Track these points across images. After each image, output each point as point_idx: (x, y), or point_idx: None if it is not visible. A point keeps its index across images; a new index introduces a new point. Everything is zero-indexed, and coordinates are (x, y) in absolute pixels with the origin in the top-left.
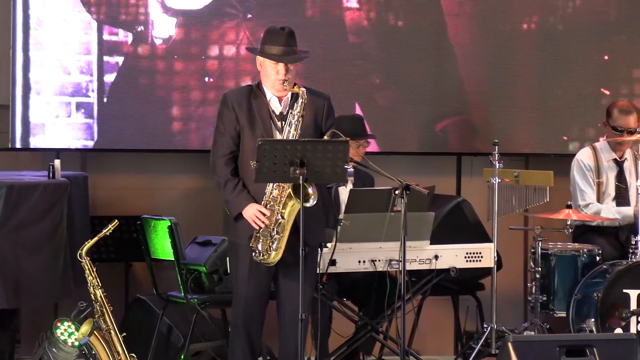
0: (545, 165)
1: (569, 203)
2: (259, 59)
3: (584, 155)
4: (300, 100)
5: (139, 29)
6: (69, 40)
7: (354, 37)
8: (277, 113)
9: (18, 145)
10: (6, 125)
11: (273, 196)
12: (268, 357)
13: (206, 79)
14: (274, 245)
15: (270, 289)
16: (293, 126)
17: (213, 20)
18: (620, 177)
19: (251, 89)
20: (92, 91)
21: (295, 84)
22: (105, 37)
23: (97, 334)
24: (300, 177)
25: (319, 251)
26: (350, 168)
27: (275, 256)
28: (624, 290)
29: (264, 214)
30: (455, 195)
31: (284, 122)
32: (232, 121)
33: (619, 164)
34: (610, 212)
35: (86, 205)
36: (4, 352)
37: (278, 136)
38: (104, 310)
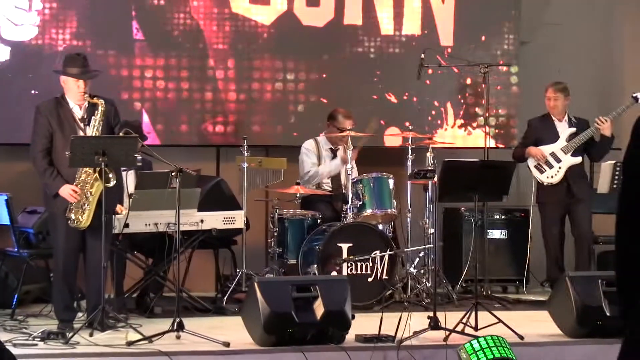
0: (280, 154)
1: (297, 181)
2: (63, 77)
3: (308, 145)
4: (100, 109)
5: None
6: None
7: (140, 60)
8: (79, 117)
9: None
10: None
11: (82, 179)
12: (80, 294)
13: (33, 91)
14: (84, 215)
15: (80, 246)
16: (96, 127)
17: (37, 48)
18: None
19: (58, 100)
20: None
21: (94, 95)
22: None
23: None
24: (102, 163)
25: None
26: (139, 156)
27: (85, 222)
28: (338, 244)
29: (76, 192)
30: (215, 175)
31: (85, 124)
32: (45, 125)
33: (334, 152)
34: (325, 168)
35: None
36: None
37: (81, 134)
38: None
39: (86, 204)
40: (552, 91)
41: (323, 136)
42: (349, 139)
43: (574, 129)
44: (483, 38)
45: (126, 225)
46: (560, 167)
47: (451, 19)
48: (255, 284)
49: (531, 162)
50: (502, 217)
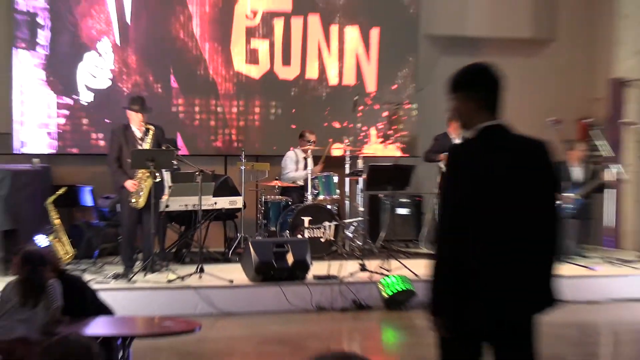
0: (265, 160)
1: (276, 177)
2: (128, 111)
3: (291, 154)
4: (151, 132)
5: (74, 97)
6: (48, 99)
7: (175, 100)
8: (138, 137)
9: (15, 151)
10: (9, 142)
11: (139, 177)
12: (138, 250)
13: (106, 120)
14: (141, 199)
15: (138, 219)
16: (149, 144)
17: (110, 92)
18: (306, 167)
19: (125, 126)
20: (54, 125)
21: (148, 123)
22: (59, 100)
23: (55, 240)
24: (152, 166)
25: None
26: (176, 162)
27: (141, 204)
28: (302, 217)
29: (135, 184)
30: (224, 174)
31: (142, 141)
32: (117, 142)
33: (306, 159)
34: (296, 176)
35: (49, 181)
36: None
37: (139, 148)
38: (60, 228)
39: (141, 192)
40: None
41: (298, 149)
42: (309, 151)
43: None
44: (395, 86)
45: (167, 206)
46: None
47: (374, 73)
48: (250, 243)
49: (443, 164)
50: (406, 200)
